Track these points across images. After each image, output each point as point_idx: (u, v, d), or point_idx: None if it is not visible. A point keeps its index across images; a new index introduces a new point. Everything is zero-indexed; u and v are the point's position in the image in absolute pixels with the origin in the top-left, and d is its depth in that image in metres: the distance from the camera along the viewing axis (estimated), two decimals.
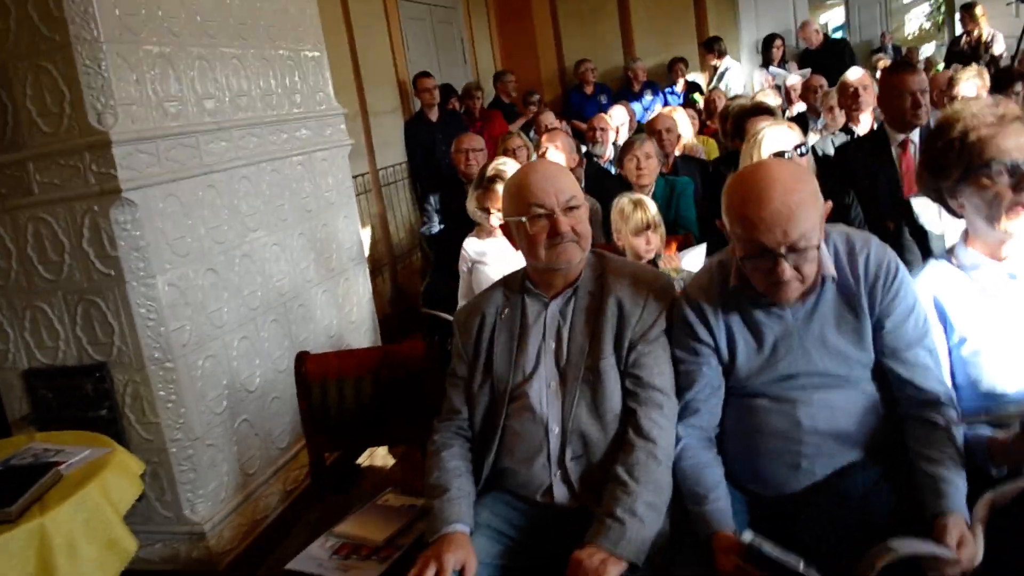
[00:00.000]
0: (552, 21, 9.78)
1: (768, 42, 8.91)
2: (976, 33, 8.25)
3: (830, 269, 1.99)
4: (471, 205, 3.54)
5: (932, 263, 2.22)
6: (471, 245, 3.62)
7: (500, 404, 2.20)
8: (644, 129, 5.48)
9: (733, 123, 4.31)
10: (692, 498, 2.01)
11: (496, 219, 3.44)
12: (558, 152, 4.43)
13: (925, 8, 13.65)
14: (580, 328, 2.17)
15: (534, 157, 6.39)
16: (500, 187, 3.38)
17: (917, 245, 2.89)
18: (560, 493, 2.11)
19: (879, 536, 1.72)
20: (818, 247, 1.92)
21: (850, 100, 5.09)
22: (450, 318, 3.36)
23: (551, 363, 2.18)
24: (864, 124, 5.10)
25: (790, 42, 9.02)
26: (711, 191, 4.41)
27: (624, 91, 9.20)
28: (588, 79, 9.21)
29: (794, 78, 7.89)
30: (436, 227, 5.25)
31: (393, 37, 6.81)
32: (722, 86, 8.27)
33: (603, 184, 4.76)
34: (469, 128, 7.25)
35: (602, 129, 5.81)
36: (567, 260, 2.12)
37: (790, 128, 3.37)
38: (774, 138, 3.32)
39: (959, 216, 2.22)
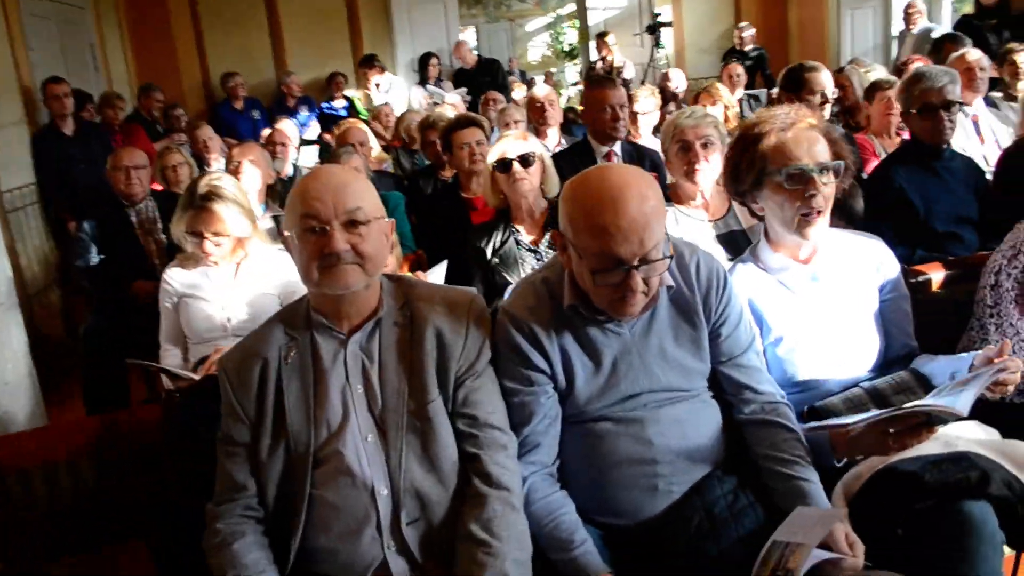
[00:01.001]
0: (194, 30, 8.94)
1: (424, 60, 8.94)
2: (609, 59, 8.99)
3: (667, 279, 1.88)
4: (178, 229, 2.94)
5: (740, 266, 2.23)
6: (177, 276, 3.01)
7: (302, 470, 1.78)
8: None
9: (442, 136, 4.13)
10: (555, 545, 1.80)
11: (213, 246, 2.90)
12: (253, 168, 3.90)
13: (546, 37, 14.87)
14: (393, 367, 1.83)
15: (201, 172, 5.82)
16: (219, 206, 2.86)
17: None
18: (398, 568, 1.75)
19: (754, 546, 1.67)
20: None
21: (537, 115, 5.20)
22: (183, 372, 2.74)
23: (364, 412, 1.81)
24: (552, 138, 5.23)
25: (445, 61, 9.13)
26: (429, 205, 4.20)
27: (278, 106, 8.68)
28: (238, 93, 8.56)
29: (454, 97, 7.99)
30: (95, 258, 4.40)
31: (13, 35, 5.67)
32: (384, 101, 8.09)
33: None
34: (111, 143, 6.31)
35: (282, 144, 5.32)
36: (343, 285, 1.75)
37: (523, 137, 3.27)
38: (501, 144, 3.21)
39: (760, 219, 2.24)
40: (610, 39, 8.92)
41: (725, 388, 2.00)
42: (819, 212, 2.09)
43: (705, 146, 2.99)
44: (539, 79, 10.29)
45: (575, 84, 13.79)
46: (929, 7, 8.49)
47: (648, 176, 1.80)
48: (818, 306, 2.16)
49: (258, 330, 1.92)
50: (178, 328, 3.01)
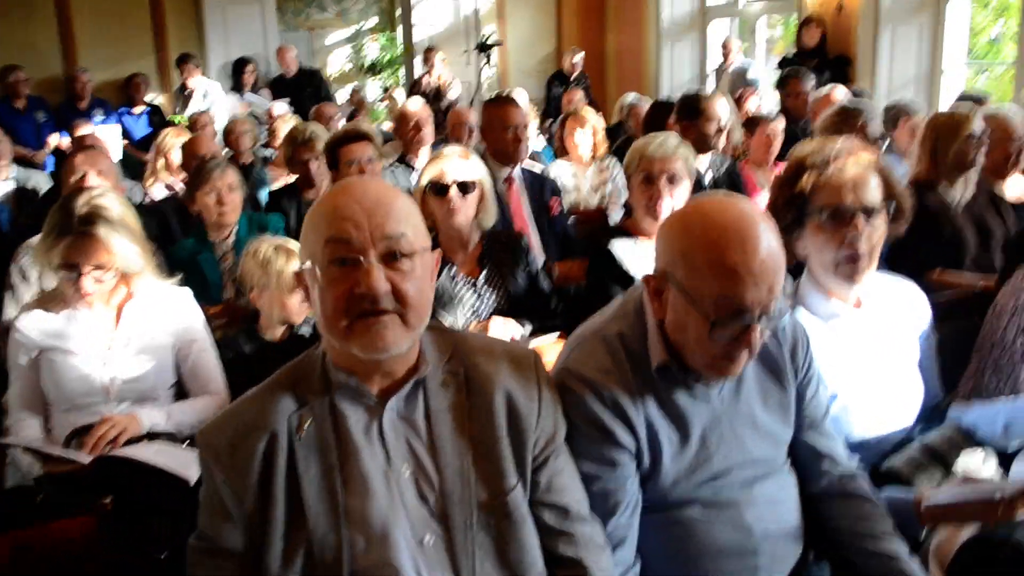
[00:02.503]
0: None
1: (239, 66, 8.17)
2: (436, 75, 8.66)
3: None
4: (44, 259, 2.25)
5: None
6: (35, 323, 2.30)
7: None
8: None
9: (327, 151, 3.62)
10: None
11: (94, 283, 2.25)
12: (103, 181, 3.17)
13: (347, 50, 14.30)
14: (450, 442, 1.40)
15: (5, 187, 4.83)
16: (104, 229, 2.23)
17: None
18: None
19: None
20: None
21: (411, 133, 4.78)
22: (65, 452, 2.05)
23: (415, 503, 1.37)
24: (422, 159, 4.83)
25: (261, 67, 8.40)
26: None
27: (67, 108, 7.58)
28: (20, 92, 7.37)
29: (280, 107, 7.34)
30: None
31: None
32: (204, 108, 7.28)
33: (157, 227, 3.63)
34: None
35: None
36: (381, 346, 1.32)
37: (465, 156, 2.87)
38: (436, 166, 2.80)
39: (800, 258, 2.02)
40: (438, 56, 8.61)
41: (803, 457, 1.75)
42: (866, 256, 1.90)
43: (671, 180, 2.74)
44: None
45: (381, 100, 13.33)
46: (744, 45, 8.93)
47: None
48: (870, 357, 1.97)
49: (253, 396, 1.42)
50: (37, 392, 2.30)
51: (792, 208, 1.96)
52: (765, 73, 8.40)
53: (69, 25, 8.04)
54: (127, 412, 2.26)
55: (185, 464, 2.04)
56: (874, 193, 1.91)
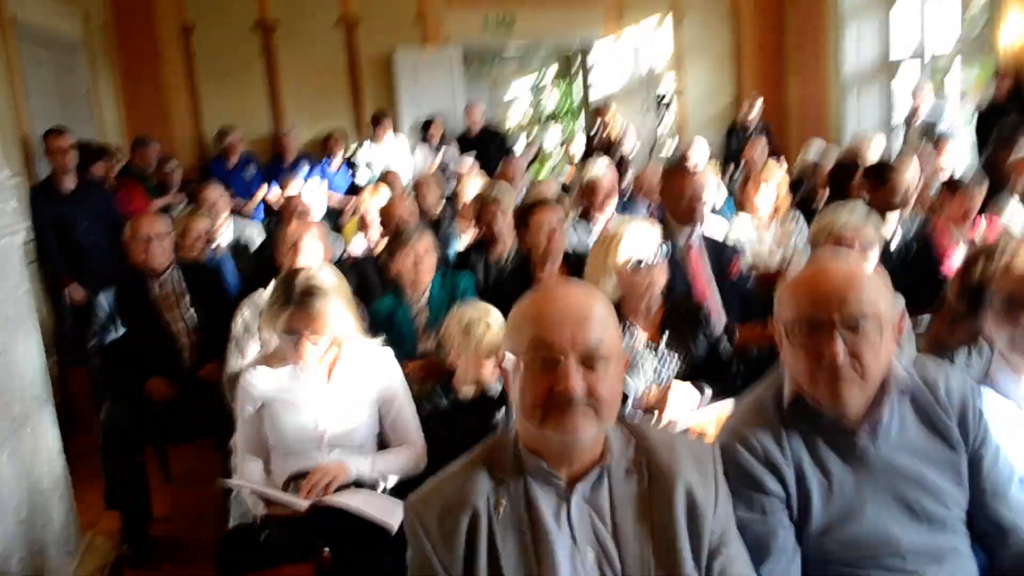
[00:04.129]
0: (188, 81, 8.52)
1: (427, 123, 8.66)
2: (610, 130, 8.81)
3: (900, 374, 1.66)
4: (270, 325, 2.54)
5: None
6: (261, 378, 2.58)
7: None
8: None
9: (518, 214, 3.81)
10: None
11: (311, 347, 2.51)
12: (315, 242, 3.51)
13: (526, 100, 14.75)
14: (631, 529, 1.49)
15: (226, 236, 5.38)
16: (320, 302, 2.49)
17: None
18: None
19: None
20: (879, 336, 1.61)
21: (594, 198, 4.91)
22: (286, 497, 2.31)
23: None
24: (605, 217, 4.95)
25: (449, 124, 8.86)
26: (495, 289, 3.83)
27: (275, 164, 8.27)
28: (233, 149, 8.12)
29: (468, 161, 7.70)
30: (110, 336, 3.94)
31: (14, 81, 5.20)
32: (382, 170, 7.73)
33: (357, 281, 3.95)
34: (112, 202, 5.86)
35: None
36: (572, 432, 1.43)
37: (651, 226, 2.97)
38: (636, 240, 2.90)
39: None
40: (611, 111, 8.77)
41: (987, 530, 1.72)
42: None
43: (864, 249, 2.74)
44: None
45: (555, 151, 13.66)
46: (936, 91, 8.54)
47: None
48: None
49: (454, 472, 1.55)
50: (260, 438, 2.59)
51: (969, 294, 2.05)
52: (959, 122, 8.01)
53: (277, 89, 8.81)
54: (337, 460, 2.49)
55: (388, 512, 2.24)
56: None
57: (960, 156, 7.09)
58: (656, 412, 2.69)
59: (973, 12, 8.50)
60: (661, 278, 2.89)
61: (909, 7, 8.79)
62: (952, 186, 4.43)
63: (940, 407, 1.70)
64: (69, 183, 5.34)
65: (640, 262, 2.86)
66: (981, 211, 4.59)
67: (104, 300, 3.93)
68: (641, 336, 2.92)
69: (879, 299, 1.60)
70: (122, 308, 3.94)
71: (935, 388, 1.71)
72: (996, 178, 5.07)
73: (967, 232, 4.35)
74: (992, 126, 6.85)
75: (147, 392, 3.76)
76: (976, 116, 7.18)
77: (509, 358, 1.49)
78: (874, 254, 2.75)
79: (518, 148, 9.90)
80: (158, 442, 4.08)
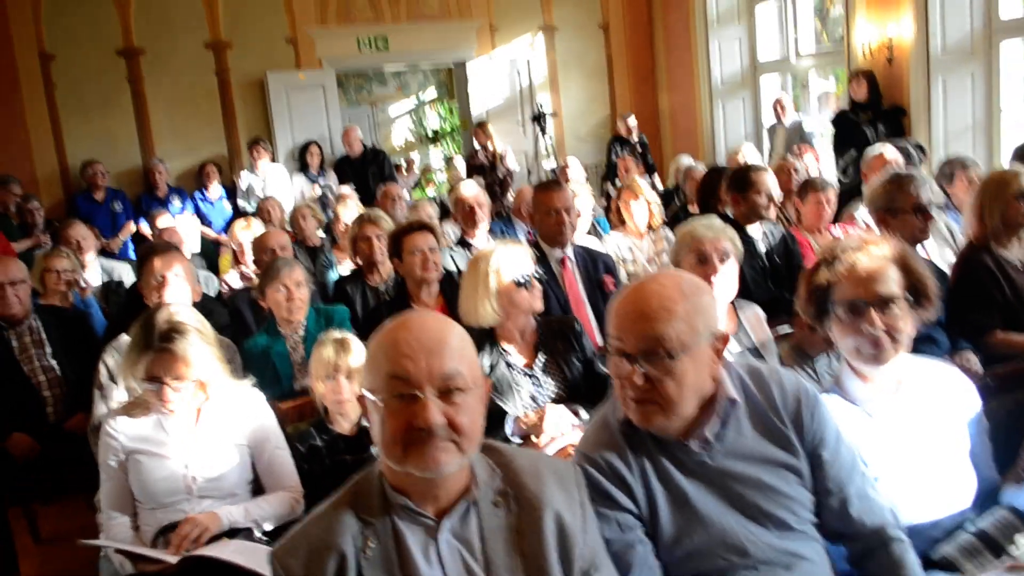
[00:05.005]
0: (50, 112, 8.14)
1: (304, 148, 8.53)
2: (491, 147, 8.88)
3: (730, 391, 1.72)
4: (130, 373, 2.45)
5: (825, 397, 2.03)
6: (123, 428, 2.48)
7: None
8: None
9: (391, 240, 3.79)
10: None
11: (174, 393, 2.42)
12: (181, 282, 3.39)
13: (408, 121, 14.73)
14: (503, 562, 1.49)
15: (92, 278, 5.14)
16: (183, 344, 2.41)
17: None
18: None
19: None
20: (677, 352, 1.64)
21: (467, 216, 4.96)
22: (156, 554, 2.21)
23: None
24: (480, 239, 4.99)
25: (326, 149, 8.75)
26: (372, 318, 3.78)
27: (146, 197, 8.00)
28: (97, 183, 7.82)
29: (346, 189, 7.63)
30: None
31: None
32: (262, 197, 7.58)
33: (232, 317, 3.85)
34: None
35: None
36: (433, 467, 1.43)
37: (520, 246, 3.01)
38: (511, 260, 2.93)
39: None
40: (490, 128, 8.85)
41: (837, 530, 1.79)
42: (886, 342, 1.96)
43: (722, 260, 2.83)
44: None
45: (440, 170, 13.67)
46: (798, 98, 8.98)
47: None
48: (910, 440, 2.00)
49: (319, 515, 1.53)
50: (126, 491, 2.47)
51: (814, 301, 2.06)
52: (819, 127, 8.43)
53: (145, 119, 8.53)
54: (208, 510, 2.41)
55: (263, 561, 2.17)
56: (890, 284, 1.98)
57: (823, 161, 7.45)
58: (533, 437, 2.71)
59: (832, 17, 8.98)
60: (539, 297, 2.91)
61: (771, 16, 9.19)
62: (804, 189, 4.65)
63: (774, 412, 1.75)
64: None
65: (524, 282, 2.88)
66: (837, 218, 4.85)
67: None
68: (517, 360, 2.94)
69: (685, 327, 1.63)
70: None
71: (769, 393, 1.77)
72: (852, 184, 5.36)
73: (825, 240, 4.57)
74: (850, 130, 7.26)
75: (8, 448, 3.57)
76: (835, 120, 7.53)
77: (366, 394, 1.47)
78: (731, 265, 2.85)
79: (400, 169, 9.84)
80: (25, 501, 3.87)
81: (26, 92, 8.09)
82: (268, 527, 2.47)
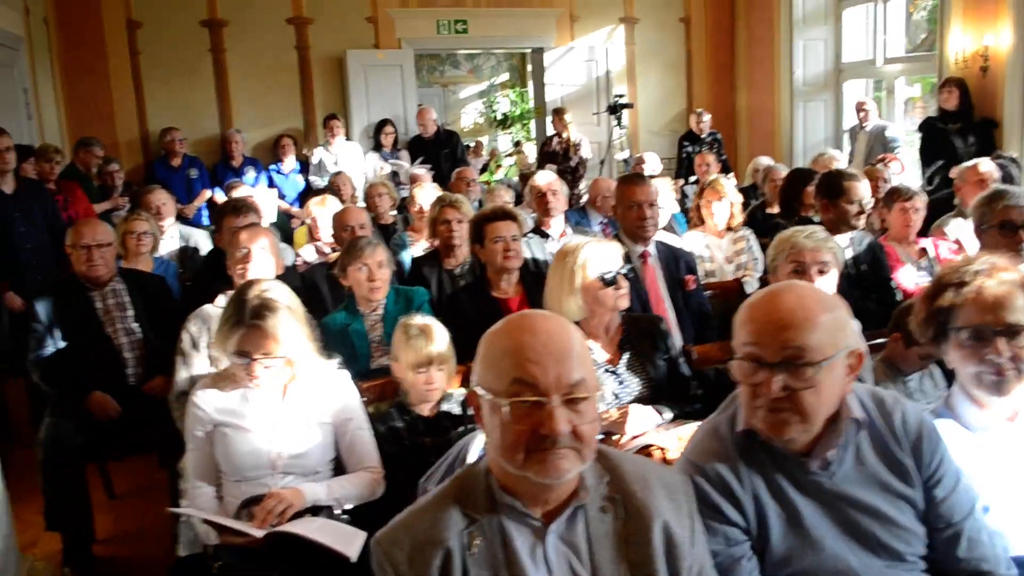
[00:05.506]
0: (134, 79, 8.31)
1: (379, 127, 8.56)
2: (565, 136, 8.81)
3: (856, 409, 1.67)
4: (221, 347, 2.46)
5: (937, 422, 1.95)
6: (211, 400, 2.50)
7: None
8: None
9: (473, 226, 3.77)
10: None
11: (263, 369, 2.43)
12: (267, 255, 3.41)
13: (479, 105, 14.73)
14: (609, 567, 1.47)
15: (169, 244, 5.24)
16: (273, 321, 2.41)
17: None
18: None
19: None
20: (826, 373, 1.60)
21: (541, 204, 4.92)
22: (241, 526, 2.22)
23: None
24: (556, 228, 4.95)
25: (400, 128, 8.77)
26: (452, 305, 3.77)
27: (222, 166, 8.10)
28: (175, 149, 7.93)
29: (418, 169, 7.64)
30: (51, 349, 3.79)
31: None
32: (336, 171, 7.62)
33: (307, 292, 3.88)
34: (53, 205, 5.65)
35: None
36: (555, 474, 1.41)
37: (609, 242, 2.96)
38: (599, 256, 2.89)
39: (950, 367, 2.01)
40: (568, 116, 8.77)
41: (948, 563, 1.72)
42: (1011, 372, 1.88)
43: (821, 272, 2.76)
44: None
45: (509, 155, 13.64)
46: (881, 103, 8.73)
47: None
48: None
49: (423, 508, 1.51)
50: (211, 462, 2.50)
51: (934, 322, 1.98)
52: (904, 134, 8.19)
53: (225, 90, 8.65)
54: (291, 485, 2.43)
55: (346, 540, 2.18)
56: (1018, 313, 1.89)
57: (908, 168, 7.24)
58: (615, 435, 2.67)
59: (918, 21, 8.70)
60: (626, 295, 2.88)
61: (858, 19, 8.97)
62: (891, 197, 4.51)
63: (895, 441, 1.71)
64: (6, 186, 5.14)
65: (609, 280, 2.85)
66: (926, 229, 4.70)
67: (41, 310, 3.78)
68: (601, 356, 2.90)
69: (827, 339, 1.59)
70: (62, 320, 3.80)
71: (891, 420, 1.72)
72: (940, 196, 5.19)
73: (912, 251, 4.44)
74: (937, 139, 7.03)
75: (89, 407, 3.64)
76: (922, 128, 7.30)
77: (482, 393, 1.45)
78: (833, 278, 2.77)
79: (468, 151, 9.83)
80: (101, 458, 3.95)
81: (112, 58, 8.25)
82: (349, 506, 2.48)
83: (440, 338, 2.81)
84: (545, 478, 1.41)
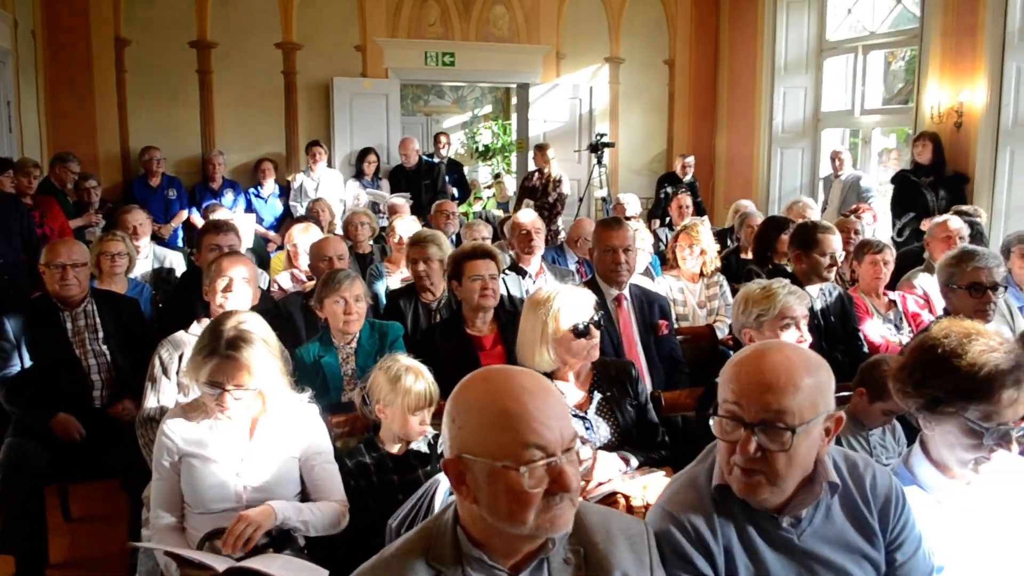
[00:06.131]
0: (118, 98, 8.31)
1: (362, 155, 8.60)
2: (547, 171, 8.88)
3: (832, 474, 1.69)
4: (193, 376, 2.46)
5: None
6: (179, 430, 2.49)
7: None
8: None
9: (452, 265, 3.78)
10: None
11: (234, 401, 2.43)
12: (245, 286, 3.40)
13: (461, 136, 14.82)
14: None
15: (144, 265, 5.22)
16: (248, 353, 2.42)
17: None
18: None
19: None
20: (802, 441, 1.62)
21: (523, 242, 4.95)
22: (203, 558, 2.21)
23: None
24: (534, 266, 4.99)
25: (382, 157, 8.82)
26: (425, 341, 3.77)
27: (201, 187, 8.10)
28: (154, 169, 7.92)
29: (398, 200, 7.65)
30: (16, 367, 3.74)
31: None
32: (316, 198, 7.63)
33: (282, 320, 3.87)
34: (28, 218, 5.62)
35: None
36: (565, 526, 1.45)
37: (583, 290, 2.99)
38: (573, 305, 2.90)
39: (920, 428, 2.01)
40: (550, 152, 8.85)
41: None
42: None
43: (798, 326, 2.82)
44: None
45: (488, 186, 13.72)
46: (857, 152, 8.89)
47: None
48: (981, 534, 1.94)
49: (389, 558, 1.51)
50: (176, 492, 2.48)
51: (927, 404, 1.92)
52: (877, 184, 8.32)
53: (210, 110, 8.67)
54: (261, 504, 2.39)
55: None
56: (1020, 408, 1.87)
57: (880, 219, 7.36)
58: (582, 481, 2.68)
59: (896, 71, 8.87)
60: (596, 345, 2.90)
61: (839, 68, 9.15)
62: (861, 250, 4.59)
63: (864, 503, 1.74)
64: None
65: (582, 330, 2.86)
66: (894, 283, 4.77)
67: (10, 327, 3.74)
68: (570, 401, 2.91)
69: (807, 403, 1.61)
70: (31, 338, 3.77)
71: (861, 483, 1.75)
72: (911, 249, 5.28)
73: (881, 303, 4.51)
74: (909, 191, 7.16)
75: (53, 428, 3.60)
76: (895, 180, 7.43)
77: (478, 460, 1.42)
78: (805, 331, 2.84)
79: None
80: (60, 480, 3.90)
81: (97, 74, 8.26)
82: (313, 533, 2.46)
83: (431, 377, 2.79)
84: (557, 532, 1.44)
